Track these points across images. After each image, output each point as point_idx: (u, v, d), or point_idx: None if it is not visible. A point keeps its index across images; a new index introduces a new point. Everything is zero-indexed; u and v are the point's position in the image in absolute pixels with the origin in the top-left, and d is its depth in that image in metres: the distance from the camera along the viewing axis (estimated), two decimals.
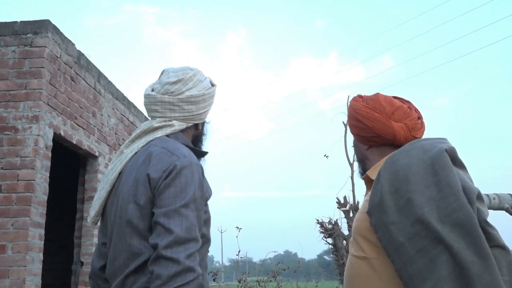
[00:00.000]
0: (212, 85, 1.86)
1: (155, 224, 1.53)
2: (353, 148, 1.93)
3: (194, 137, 1.86)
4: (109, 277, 1.69)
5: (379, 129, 1.74)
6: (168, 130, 1.75)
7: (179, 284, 1.45)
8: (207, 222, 1.70)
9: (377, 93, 1.85)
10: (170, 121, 1.76)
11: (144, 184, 1.59)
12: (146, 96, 1.79)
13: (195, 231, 1.54)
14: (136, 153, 1.71)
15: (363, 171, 1.86)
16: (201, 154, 1.82)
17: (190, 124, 1.80)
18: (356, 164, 2.01)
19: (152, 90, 1.80)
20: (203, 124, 1.88)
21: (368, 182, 1.76)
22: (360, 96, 1.87)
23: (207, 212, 1.70)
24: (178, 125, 1.76)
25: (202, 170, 1.67)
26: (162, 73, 1.85)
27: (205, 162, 1.91)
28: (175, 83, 1.75)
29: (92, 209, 1.79)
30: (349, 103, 1.91)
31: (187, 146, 1.73)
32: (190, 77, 1.78)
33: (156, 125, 1.75)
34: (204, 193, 1.63)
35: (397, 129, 1.74)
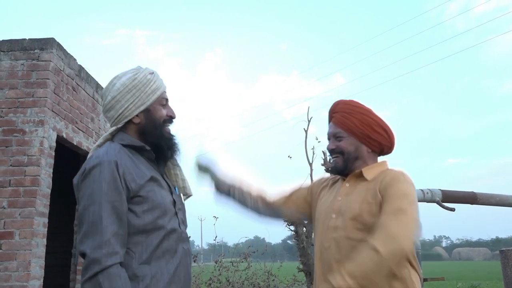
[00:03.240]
0: (136, 75, 1.64)
1: None
2: (341, 144, 1.82)
3: (140, 130, 1.64)
4: None
5: (394, 142, 1.85)
6: (101, 140, 1.66)
7: (86, 277, 1.37)
8: (152, 210, 1.52)
9: None
10: (109, 130, 1.67)
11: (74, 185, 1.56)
12: None
13: (101, 225, 1.40)
14: None
15: (348, 167, 1.81)
16: (140, 148, 1.63)
17: (121, 125, 1.63)
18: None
19: None
20: (145, 114, 1.64)
21: (358, 176, 1.78)
22: (370, 109, 1.85)
23: (148, 201, 1.52)
24: (109, 133, 1.66)
25: (119, 165, 1.49)
26: None
27: (179, 148, 1.71)
28: (102, 101, 1.69)
29: None
30: (361, 109, 1.83)
31: (129, 145, 1.60)
32: (107, 87, 1.67)
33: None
34: (118, 187, 1.46)
35: (395, 143, 1.86)
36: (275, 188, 2.10)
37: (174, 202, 1.65)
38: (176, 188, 1.77)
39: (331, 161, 1.94)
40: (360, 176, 1.78)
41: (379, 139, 1.79)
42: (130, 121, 1.64)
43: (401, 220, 1.52)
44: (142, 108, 1.63)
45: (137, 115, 1.63)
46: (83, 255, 1.40)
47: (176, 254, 1.57)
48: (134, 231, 1.49)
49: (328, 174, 2.09)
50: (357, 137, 1.79)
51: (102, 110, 1.70)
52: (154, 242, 1.51)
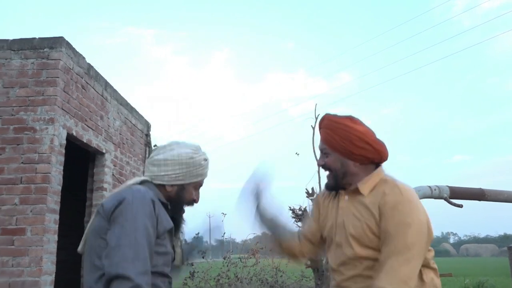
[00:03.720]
0: (193, 157, 1.75)
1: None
2: (328, 161, 1.82)
3: (167, 198, 1.75)
4: None
5: (382, 151, 1.79)
6: (134, 181, 1.73)
7: None
8: (162, 255, 1.60)
9: (353, 117, 1.85)
10: (144, 177, 1.76)
11: (100, 212, 1.58)
12: None
13: (145, 254, 1.46)
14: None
15: (338, 183, 1.81)
16: (166, 207, 1.72)
17: (156, 182, 1.73)
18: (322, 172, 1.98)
19: None
20: (177, 190, 1.75)
21: (354, 192, 1.77)
22: (352, 119, 1.81)
23: (164, 246, 1.61)
24: (141, 178, 1.74)
25: (156, 205, 1.58)
26: None
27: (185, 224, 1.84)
28: (154, 150, 1.80)
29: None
30: (340, 124, 1.80)
31: (158, 200, 1.67)
32: (164, 146, 1.79)
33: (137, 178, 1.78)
34: (154, 225, 1.54)
35: (387, 152, 1.81)
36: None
37: (173, 259, 1.76)
38: None
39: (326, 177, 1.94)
40: (357, 192, 1.77)
41: (363, 153, 1.76)
42: (163, 186, 1.74)
43: (407, 259, 1.54)
44: (180, 182, 1.74)
45: (171, 185, 1.74)
46: (122, 277, 1.40)
47: None
48: (154, 271, 1.55)
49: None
50: (340, 153, 1.78)
51: (149, 160, 1.79)
52: (161, 286, 1.59)
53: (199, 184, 1.79)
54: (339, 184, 1.81)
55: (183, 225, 1.83)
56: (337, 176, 1.80)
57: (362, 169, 1.78)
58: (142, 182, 1.73)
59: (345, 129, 1.77)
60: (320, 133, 1.87)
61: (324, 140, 1.83)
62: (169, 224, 1.65)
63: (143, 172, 6.78)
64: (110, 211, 1.54)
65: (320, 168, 1.93)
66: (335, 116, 1.84)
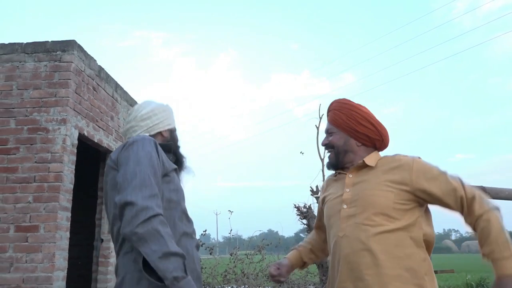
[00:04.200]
0: (165, 104, 1.96)
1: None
2: (332, 139, 1.87)
3: (166, 142, 1.89)
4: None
5: (384, 135, 1.85)
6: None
7: (138, 222, 1.40)
8: (176, 191, 1.67)
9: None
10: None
11: (109, 164, 1.66)
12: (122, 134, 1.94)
13: (150, 180, 1.50)
14: None
15: (339, 160, 1.85)
16: (168, 148, 1.83)
17: (153, 133, 1.86)
18: (325, 153, 2.00)
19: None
20: (170, 132, 1.93)
21: (360, 167, 1.80)
22: (358, 104, 1.89)
23: (173, 182, 1.67)
24: (143, 133, 1.84)
25: (158, 147, 1.67)
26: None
27: (187, 166, 1.92)
28: (130, 114, 1.92)
29: None
30: (348, 105, 1.87)
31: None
32: (140, 105, 1.92)
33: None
34: (158, 160, 1.61)
35: (388, 138, 1.88)
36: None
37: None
38: None
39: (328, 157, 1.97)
40: (363, 167, 1.79)
41: (366, 132, 1.81)
42: (159, 133, 1.89)
43: (466, 190, 1.64)
44: (169, 127, 1.92)
45: (165, 130, 1.90)
46: (129, 204, 1.43)
47: (194, 238, 1.70)
48: (170, 206, 1.61)
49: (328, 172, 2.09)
50: (345, 131, 1.84)
51: (134, 119, 1.89)
52: (174, 216, 1.62)
53: (176, 129, 1.97)
54: (340, 162, 1.85)
55: (185, 165, 1.92)
56: (339, 153, 1.85)
57: (363, 150, 1.84)
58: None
59: (351, 109, 1.85)
60: (328, 116, 1.93)
61: (330, 120, 1.89)
62: (172, 165, 1.73)
63: None
64: (116, 158, 1.62)
65: (323, 146, 1.95)
66: (343, 99, 1.92)
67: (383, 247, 1.60)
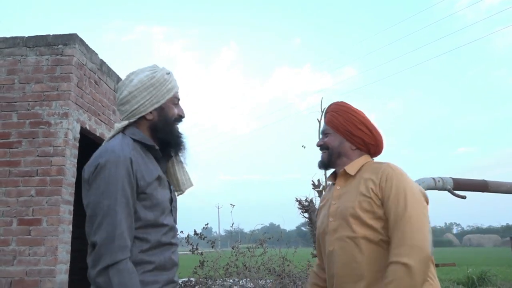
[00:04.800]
0: (154, 74, 1.65)
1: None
2: (327, 140, 1.88)
3: (152, 127, 1.65)
4: None
5: (379, 140, 1.86)
6: (113, 132, 1.64)
7: (97, 269, 1.39)
8: (152, 207, 1.54)
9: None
10: (121, 122, 1.66)
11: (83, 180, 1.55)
12: None
13: (116, 218, 1.41)
14: None
15: (331, 161, 1.86)
16: (150, 147, 1.63)
17: (134, 119, 1.63)
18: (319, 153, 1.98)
19: None
20: (158, 111, 1.65)
21: (344, 175, 1.81)
22: (356, 109, 1.89)
23: (153, 198, 1.54)
24: (120, 125, 1.64)
25: (134, 162, 1.50)
26: None
27: (186, 150, 1.73)
28: (116, 92, 1.72)
29: None
30: (345, 107, 1.87)
31: (138, 141, 1.60)
32: (123, 82, 1.67)
33: (110, 134, 1.68)
34: (131, 184, 1.47)
35: (383, 144, 1.88)
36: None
37: (171, 199, 1.67)
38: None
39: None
40: (346, 175, 1.82)
41: (361, 136, 1.82)
42: (143, 117, 1.65)
43: (415, 225, 1.52)
44: (156, 105, 1.64)
45: (150, 112, 1.64)
46: (92, 245, 1.41)
47: (172, 247, 1.61)
48: (136, 227, 1.50)
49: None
50: (340, 133, 1.85)
51: (116, 103, 1.70)
52: (155, 237, 1.54)
53: (175, 99, 1.70)
54: (332, 163, 1.87)
55: (183, 145, 1.72)
56: (332, 154, 1.86)
57: (357, 154, 1.84)
58: (124, 129, 1.65)
59: (349, 112, 1.86)
60: (325, 117, 1.94)
61: (327, 121, 1.90)
62: (154, 173, 1.57)
63: None
64: (88, 178, 1.51)
65: (318, 147, 1.95)
66: (341, 102, 1.93)
67: (365, 259, 1.62)
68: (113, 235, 1.39)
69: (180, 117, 1.71)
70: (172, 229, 1.62)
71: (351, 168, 1.80)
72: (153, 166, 1.60)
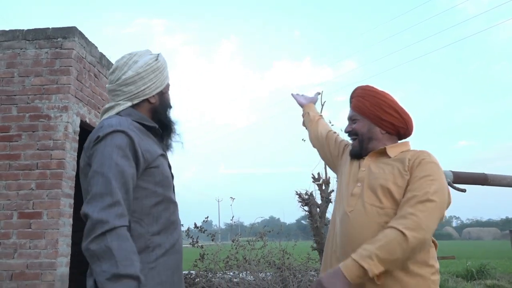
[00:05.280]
0: (157, 60, 1.67)
1: None
2: (356, 126, 1.84)
3: (153, 110, 1.66)
4: None
5: (409, 122, 1.82)
6: (115, 110, 1.62)
7: (92, 237, 1.29)
8: (162, 182, 1.53)
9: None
10: (118, 103, 1.63)
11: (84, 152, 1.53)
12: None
13: (110, 186, 1.36)
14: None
15: (363, 147, 1.82)
16: (150, 128, 1.63)
17: (137, 101, 1.63)
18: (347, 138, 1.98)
19: None
20: (160, 96, 1.68)
21: (381, 153, 1.78)
22: (383, 91, 1.85)
23: (159, 173, 1.53)
24: (123, 104, 1.62)
25: (135, 139, 1.48)
26: None
27: (179, 136, 1.75)
28: (113, 72, 1.65)
29: None
30: (372, 91, 1.84)
31: (137, 121, 1.58)
32: (125, 62, 1.64)
33: (106, 106, 1.65)
34: (129, 156, 1.44)
35: (413, 126, 1.86)
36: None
37: (172, 176, 1.68)
38: None
39: (351, 144, 1.93)
40: (383, 154, 1.78)
41: (391, 120, 1.79)
42: (146, 100, 1.65)
43: (428, 209, 1.51)
44: (159, 89, 1.67)
45: (153, 95, 1.66)
46: (86, 216, 1.34)
47: (178, 226, 1.61)
48: (149, 204, 1.49)
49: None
50: (369, 118, 1.81)
51: (115, 83, 1.64)
52: (165, 215, 1.53)
53: (168, 86, 1.74)
54: (363, 149, 1.82)
55: (175, 131, 1.74)
56: (363, 141, 1.82)
57: (387, 138, 1.81)
58: (118, 113, 1.62)
59: (376, 96, 1.82)
60: (351, 103, 1.90)
61: (354, 107, 1.86)
62: (157, 150, 1.57)
63: None
64: (87, 146, 1.50)
65: (346, 133, 1.92)
66: (368, 85, 1.89)
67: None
68: (109, 204, 1.34)
69: (170, 106, 1.75)
70: (176, 204, 1.63)
71: (392, 150, 1.76)
72: (154, 143, 1.61)
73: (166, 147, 1.73)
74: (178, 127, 1.75)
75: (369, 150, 1.81)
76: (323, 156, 2.18)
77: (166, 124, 1.70)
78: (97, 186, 1.37)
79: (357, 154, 1.85)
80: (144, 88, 1.62)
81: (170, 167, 1.70)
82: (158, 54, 1.70)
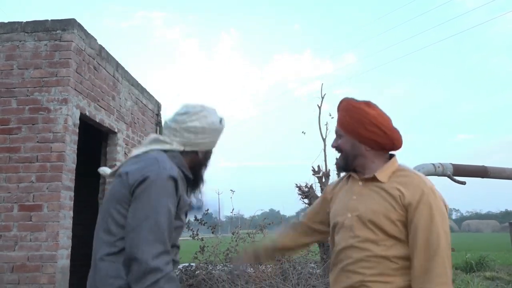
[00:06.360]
0: (221, 123, 1.78)
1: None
2: (340, 143, 1.81)
3: (194, 163, 1.75)
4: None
5: (395, 139, 1.74)
6: (167, 146, 1.69)
7: (147, 284, 1.40)
8: (177, 229, 1.62)
9: (371, 102, 1.79)
10: (172, 142, 1.71)
11: (123, 180, 1.56)
12: (163, 124, 1.80)
13: (164, 235, 1.47)
14: (137, 155, 1.67)
15: (348, 164, 1.80)
16: (189, 180, 1.72)
17: (188, 149, 1.72)
18: (331, 153, 1.97)
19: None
20: (205, 154, 1.78)
21: (370, 179, 1.73)
22: (368, 104, 1.77)
23: (181, 220, 1.63)
24: (176, 145, 1.70)
25: (178, 185, 1.57)
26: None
27: (202, 193, 1.84)
28: (182, 114, 1.72)
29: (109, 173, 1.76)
30: (355, 107, 1.76)
31: (178, 167, 1.65)
32: (197, 111, 1.72)
33: (160, 137, 1.72)
34: (174, 205, 1.55)
35: (401, 141, 1.77)
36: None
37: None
38: None
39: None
40: (374, 179, 1.73)
41: (374, 138, 1.72)
42: (195, 152, 1.75)
43: (446, 262, 1.56)
44: (209, 148, 1.78)
45: (202, 151, 1.76)
46: (137, 260, 1.42)
47: (176, 265, 1.69)
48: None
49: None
50: (351, 136, 1.76)
51: (181, 123, 1.71)
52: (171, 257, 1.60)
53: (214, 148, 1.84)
54: (349, 166, 1.80)
55: (202, 186, 1.84)
56: (347, 158, 1.78)
57: (374, 154, 1.75)
58: (167, 150, 1.69)
59: (358, 112, 1.73)
60: (338, 115, 1.85)
61: (338, 122, 1.82)
62: (188, 201, 1.69)
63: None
64: (133, 185, 1.52)
65: (333, 148, 1.88)
66: (352, 99, 1.81)
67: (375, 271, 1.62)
68: (163, 251, 1.45)
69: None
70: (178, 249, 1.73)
71: (382, 175, 1.70)
72: (186, 194, 1.70)
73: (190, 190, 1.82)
74: (204, 187, 1.84)
75: (355, 166, 1.78)
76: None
77: (198, 180, 1.79)
78: (150, 232, 1.45)
79: (343, 169, 1.85)
80: (201, 141, 1.72)
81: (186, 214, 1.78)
82: (222, 118, 1.80)
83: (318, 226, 2.02)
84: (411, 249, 1.59)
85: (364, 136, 1.72)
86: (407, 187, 1.63)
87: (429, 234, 1.56)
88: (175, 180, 1.55)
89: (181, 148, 1.70)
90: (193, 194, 1.81)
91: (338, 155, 1.86)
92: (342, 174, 1.93)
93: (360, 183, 1.76)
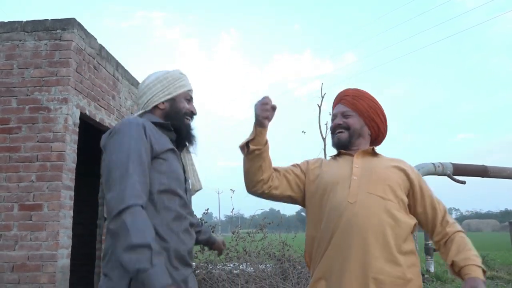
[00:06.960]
0: (169, 72, 1.83)
1: None
2: (349, 121, 1.92)
3: (165, 114, 1.78)
4: None
5: (386, 132, 1.99)
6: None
7: (111, 217, 1.41)
8: (167, 174, 1.61)
9: None
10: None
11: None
12: None
13: (127, 171, 1.47)
14: None
15: (351, 142, 1.90)
16: (164, 126, 1.74)
17: (148, 109, 1.78)
18: (328, 138, 2.05)
19: None
20: (170, 102, 1.78)
21: (368, 153, 1.90)
22: (375, 98, 2.00)
23: (166, 164, 1.62)
24: (137, 114, 1.80)
25: (147, 128, 1.60)
26: None
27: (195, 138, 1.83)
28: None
29: None
30: (368, 95, 1.97)
31: (153, 122, 1.71)
32: (143, 80, 1.84)
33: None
34: (145, 144, 1.56)
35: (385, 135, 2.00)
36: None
37: (185, 179, 1.74)
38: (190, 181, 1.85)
39: (334, 137, 1.96)
40: (370, 153, 1.90)
41: (380, 124, 1.93)
42: (156, 106, 1.78)
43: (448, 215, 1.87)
44: (168, 97, 1.79)
45: (163, 102, 1.79)
46: (108, 200, 1.45)
47: (186, 219, 1.66)
48: (158, 190, 1.57)
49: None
50: (364, 118, 1.91)
51: (136, 98, 1.86)
52: (174, 206, 1.60)
53: (188, 96, 1.84)
54: (351, 143, 1.91)
55: (193, 138, 1.83)
56: (353, 135, 1.90)
57: (368, 140, 1.95)
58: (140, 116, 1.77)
59: (371, 99, 1.94)
60: (342, 100, 1.97)
61: (350, 104, 1.93)
62: (167, 144, 1.67)
63: None
64: (103, 145, 1.61)
65: (336, 125, 1.96)
66: (361, 89, 2.00)
67: (392, 230, 1.67)
68: (124, 187, 1.44)
69: (191, 113, 1.83)
70: (188, 207, 1.70)
71: (378, 151, 1.91)
72: (167, 141, 1.69)
73: (180, 148, 1.82)
74: (196, 135, 1.84)
75: (353, 145, 1.90)
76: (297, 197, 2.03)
77: (180, 129, 1.79)
78: (115, 171, 1.47)
79: (344, 146, 1.91)
80: (151, 96, 1.78)
81: (184, 169, 1.78)
82: (173, 70, 1.85)
83: (288, 177, 1.97)
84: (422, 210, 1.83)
85: (374, 120, 1.91)
86: (401, 163, 1.87)
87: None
88: (141, 124, 1.59)
89: (141, 111, 1.79)
90: (184, 140, 1.81)
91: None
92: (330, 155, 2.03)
93: (359, 156, 1.87)
